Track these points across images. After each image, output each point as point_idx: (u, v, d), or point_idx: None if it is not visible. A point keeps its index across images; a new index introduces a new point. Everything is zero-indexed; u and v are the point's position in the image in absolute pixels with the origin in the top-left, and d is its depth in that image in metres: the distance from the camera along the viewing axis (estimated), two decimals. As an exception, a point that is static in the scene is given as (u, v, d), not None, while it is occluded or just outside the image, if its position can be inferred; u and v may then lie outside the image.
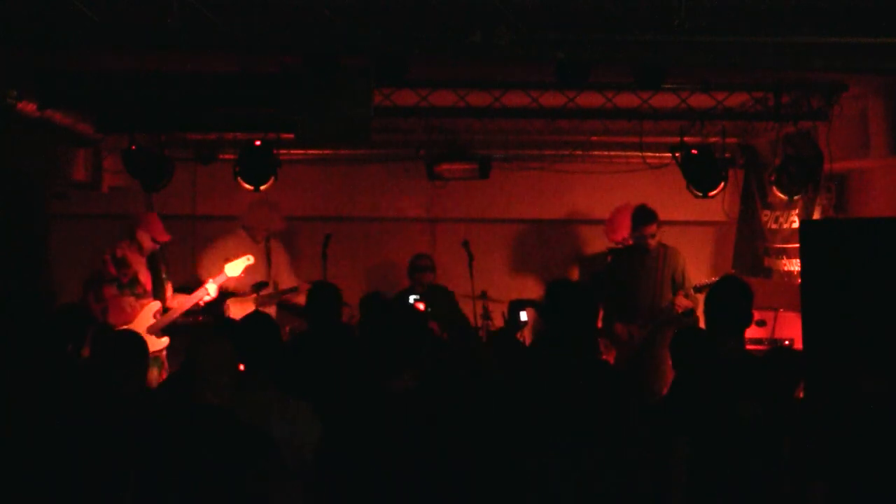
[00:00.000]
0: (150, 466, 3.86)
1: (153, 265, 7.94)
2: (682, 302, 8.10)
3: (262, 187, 8.21)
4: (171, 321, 7.73)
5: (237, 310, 8.45)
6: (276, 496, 3.98)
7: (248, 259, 8.27)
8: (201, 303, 7.96)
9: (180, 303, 7.85)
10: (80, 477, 4.15)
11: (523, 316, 6.73)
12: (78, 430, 4.28)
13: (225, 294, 8.43)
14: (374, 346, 4.03)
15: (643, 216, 8.33)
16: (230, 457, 3.82)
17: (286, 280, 8.82)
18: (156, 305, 7.73)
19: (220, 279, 8.07)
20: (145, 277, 7.81)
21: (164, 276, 7.99)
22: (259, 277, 8.63)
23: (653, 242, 8.29)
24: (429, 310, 8.24)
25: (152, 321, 7.66)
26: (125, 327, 7.25)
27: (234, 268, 8.18)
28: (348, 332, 6.16)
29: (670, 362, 8.12)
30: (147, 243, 7.81)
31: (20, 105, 6.71)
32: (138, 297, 7.69)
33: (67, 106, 7.26)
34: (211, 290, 7.92)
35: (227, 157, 9.03)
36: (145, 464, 3.89)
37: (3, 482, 4.15)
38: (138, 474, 3.90)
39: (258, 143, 8.13)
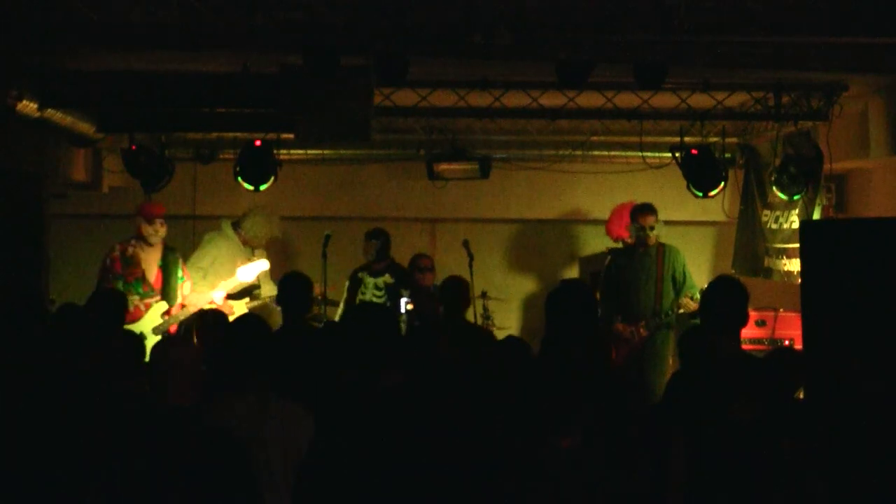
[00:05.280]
0: (121, 470, 3.84)
1: (166, 265, 7.88)
2: (688, 304, 8.09)
3: (263, 187, 8.20)
4: (177, 322, 7.70)
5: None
6: (263, 498, 3.97)
7: (264, 264, 8.24)
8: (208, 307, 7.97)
9: (190, 306, 7.83)
10: (81, 479, 4.14)
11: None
12: (77, 431, 4.27)
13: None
14: (359, 342, 4.03)
15: (641, 207, 8.38)
16: (198, 459, 3.78)
17: (267, 287, 8.81)
18: (163, 306, 7.71)
19: (231, 283, 8.04)
20: (155, 277, 7.78)
21: (180, 275, 7.95)
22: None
23: (651, 237, 8.30)
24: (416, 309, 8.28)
25: (160, 321, 7.65)
26: (128, 327, 7.26)
27: (248, 272, 8.14)
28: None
29: (670, 362, 8.20)
30: (144, 229, 7.77)
31: (20, 105, 6.71)
32: (143, 296, 7.67)
33: (67, 106, 7.25)
34: (217, 297, 7.91)
35: (227, 157, 9.03)
36: (118, 467, 3.86)
37: (8, 485, 4.15)
38: (110, 478, 3.87)
39: (258, 143, 8.11)
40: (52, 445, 4.20)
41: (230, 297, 8.48)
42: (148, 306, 7.67)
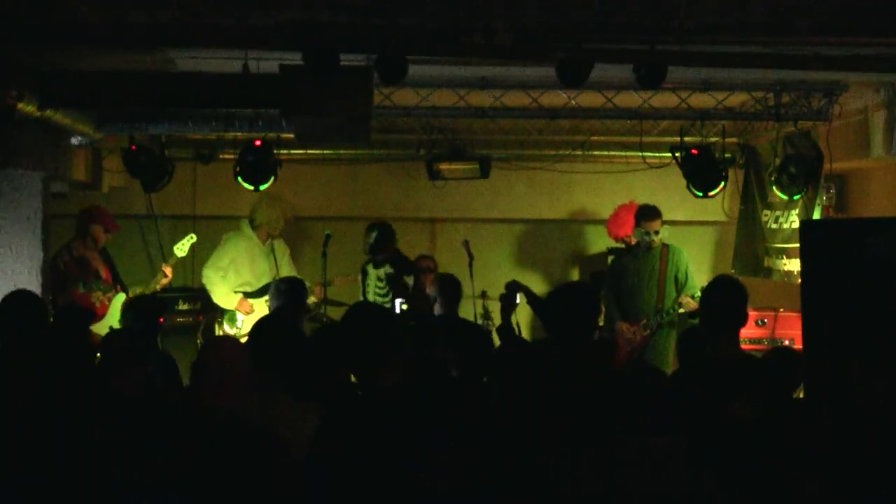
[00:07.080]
0: (159, 470, 3.85)
1: (107, 258, 8.16)
2: (689, 303, 8.10)
3: (263, 187, 8.22)
4: None
5: (251, 315, 8.55)
6: (283, 497, 3.97)
7: (192, 238, 8.51)
8: (159, 287, 8.10)
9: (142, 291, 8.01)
10: (88, 480, 4.14)
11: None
12: (86, 432, 4.27)
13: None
14: (355, 344, 4.04)
15: (648, 212, 8.39)
16: (240, 460, 3.79)
17: None
18: (122, 297, 7.85)
19: (172, 261, 8.35)
20: (105, 272, 8.01)
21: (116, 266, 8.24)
22: (266, 278, 8.69)
23: (656, 241, 8.32)
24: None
25: None
26: (100, 323, 7.38)
27: (182, 248, 8.46)
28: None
29: (672, 362, 8.20)
30: (100, 236, 8.06)
31: (20, 105, 6.70)
32: (104, 291, 7.89)
33: (67, 106, 7.25)
34: (167, 271, 8.20)
35: (227, 157, 9.04)
36: (154, 468, 3.87)
37: (10, 485, 4.14)
38: (147, 478, 3.88)
39: (258, 143, 8.13)
40: (52, 446, 4.20)
41: (249, 295, 8.59)
42: (110, 300, 7.89)
